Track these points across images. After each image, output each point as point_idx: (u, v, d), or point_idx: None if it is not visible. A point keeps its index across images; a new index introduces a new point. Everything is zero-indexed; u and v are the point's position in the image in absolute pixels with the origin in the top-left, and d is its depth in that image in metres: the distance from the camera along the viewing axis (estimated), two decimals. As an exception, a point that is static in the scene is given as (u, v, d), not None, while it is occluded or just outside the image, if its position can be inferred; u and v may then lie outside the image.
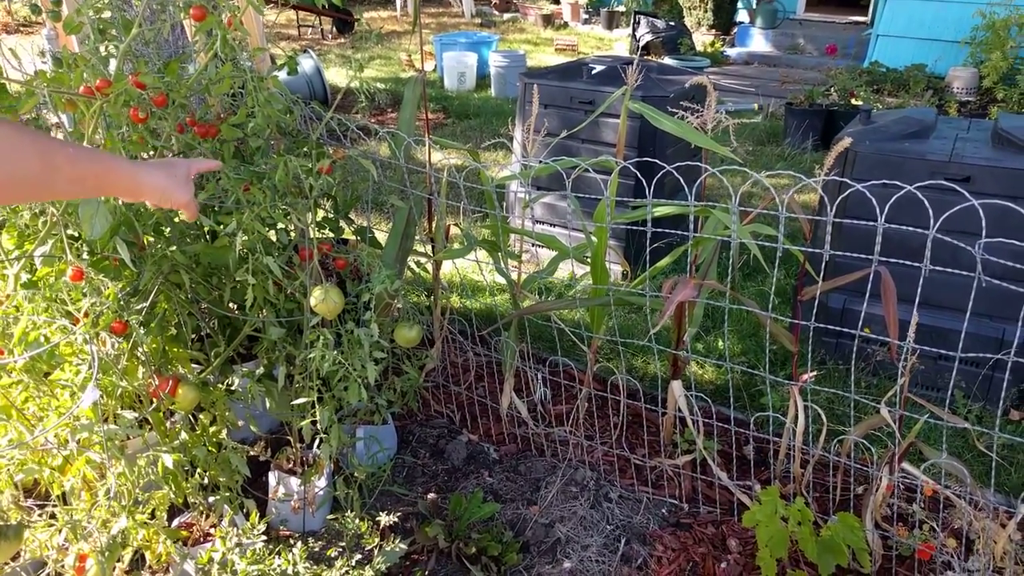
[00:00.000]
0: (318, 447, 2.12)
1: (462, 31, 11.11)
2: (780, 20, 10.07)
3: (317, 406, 2.08)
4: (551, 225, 4.03)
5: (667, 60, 8.93)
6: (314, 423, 2.10)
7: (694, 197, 1.94)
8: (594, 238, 2.31)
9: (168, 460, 1.83)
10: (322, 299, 1.98)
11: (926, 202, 1.67)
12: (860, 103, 6.29)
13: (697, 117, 2.19)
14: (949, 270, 1.72)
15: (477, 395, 2.75)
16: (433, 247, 2.67)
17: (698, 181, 2.02)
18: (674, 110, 2.36)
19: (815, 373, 2.14)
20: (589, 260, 2.41)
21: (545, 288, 3.64)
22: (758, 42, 10.06)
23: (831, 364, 2.91)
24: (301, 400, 2.09)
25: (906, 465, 2.01)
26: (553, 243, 2.49)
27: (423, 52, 2.70)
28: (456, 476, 2.52)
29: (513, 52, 8.20)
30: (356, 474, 2.30)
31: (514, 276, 2.56)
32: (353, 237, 2.65)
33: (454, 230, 3.13)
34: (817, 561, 1.81)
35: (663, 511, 2.33)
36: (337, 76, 8.49)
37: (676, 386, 2.35)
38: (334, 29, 11.24)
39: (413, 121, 2.56)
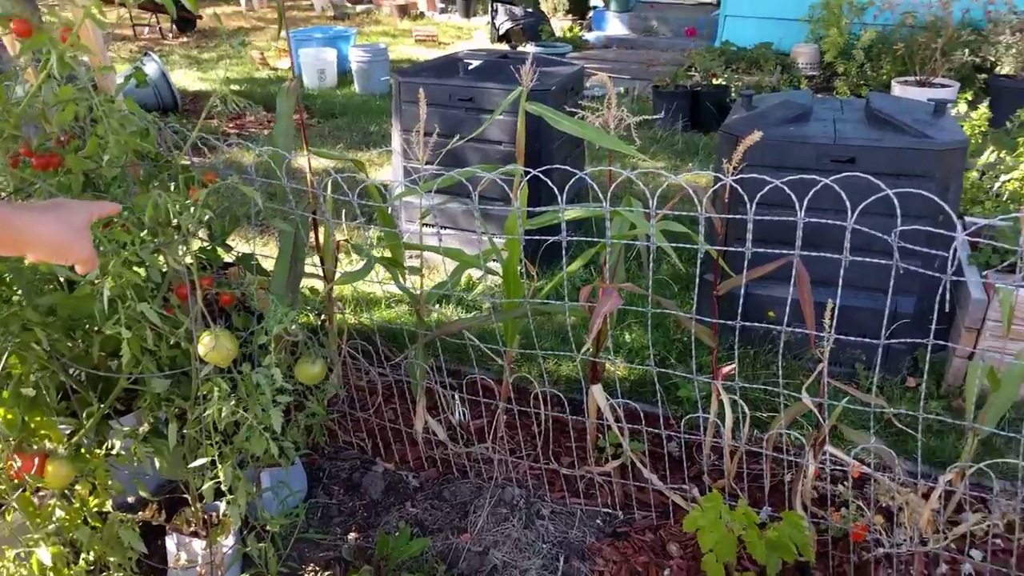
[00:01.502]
0: (224, 504, 1.89)
1: (316, 26, 10.64)
2: (633, 3, 10.31)
3: (218, 463, 1.85)
4: (443, 227, 3.88)
5: (530, 47, 8.92)
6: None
7: (608, 199, 1.86)
8: (503, 249, 2.19)
9: (45, 556, 1.55)
10: (213, 347, 1.75)
11: (843, 194, 1.66)
12: (721, 82, 6.52)
13: (598, 116, 2.11)
14: (860, 258, 1.73)
15: (388, 420, 2.58)
16: (324, 267, 2.47)
17: (614, 184, 1.94)
18: (570, 108, 2.28)
19: (733, 365, 2.13)
20: (495, 267, 2.30)
21: (443, 297, 3.49)
22: (614, 25, 10.25)
23: (740, 349, 2.95)
24: (200, 462, 1.85)
25: (831, 448, 2.03)
26: (458, 256, 2.35)
27: (280, 50, 2.47)
28: (376, 511, 2.35)
29: (374, 46, 7.92)
30: (268, 527, 2.08)
31: (415, 282, 2.40)
32: (234, 264, 2.40)
33: (344, 243, 2.92)
34: (765, 562, 1.79)
35: (598, 522, 2.26)
36: (185, 79, 7.90)
37: (597, 391, 2.28)
38: (174, 27, 10.46)
39: (291, 134, 2.33)
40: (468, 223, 3.79)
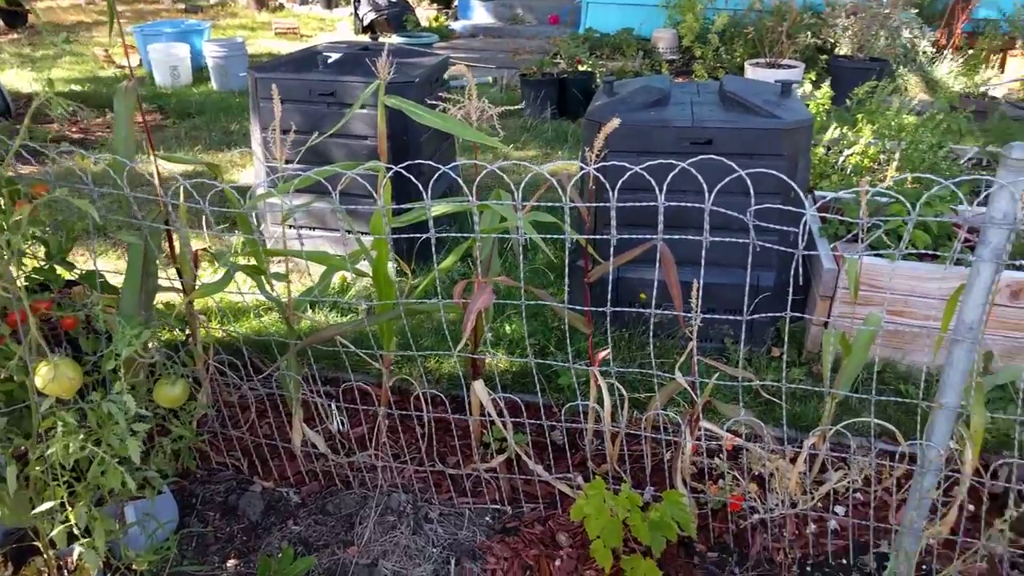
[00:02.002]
0: (80, 547, 1.73)
1: (165, 19, 10.01)
2: (497, -8, 10.32)
3: (69, 503, 1.69)
4: (311, 228, 3.74)
5: (395, 38, 8.76)
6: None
7: (474, 193, 1.83)
8: (372, 249, 2.12)
9: None
10: (52, 378, 1.60)
11: (699, 176, 1.70)
12: (587, 68, 6.63)
13: (459, 108, 2.08)
14: (720, 237, 1.78)
15: (264, 436, 2.46)
16: (181, 280, 2.31)
17: (479, 177, 1.91)
18: (433, 102, 2.23)
19: (608, 351, 2.16)
20: (365, 267, 2.22)
21: (314, 303, 3.36)
22: (480, 14, 10.23)
23: (615, 333, 3.01)
24: (47, 505, 1.68)
25: (706, 423, 2.10)
26: (323, 259, 2.26)
27: (128, 46, 2.29)
28: (256, 533, 2.23)
29: (231, 40, 7.54)
30: (134, 566, 1.93)
31: (282, 289, 2.30)
32: (78, 283, 2.20)
33: (203, 252, 2.74)
34: (650, 543, 1.83)
35: (488, 519, 2.25)
36: (17, 80, 7.24)
37: (478, 387, 2.26)
38: (1, 23, 9.56)
39: (132, 138, 2.16)
40: (337, 222, 3.67)
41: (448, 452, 2.49)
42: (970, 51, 7.36)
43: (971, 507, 2.11)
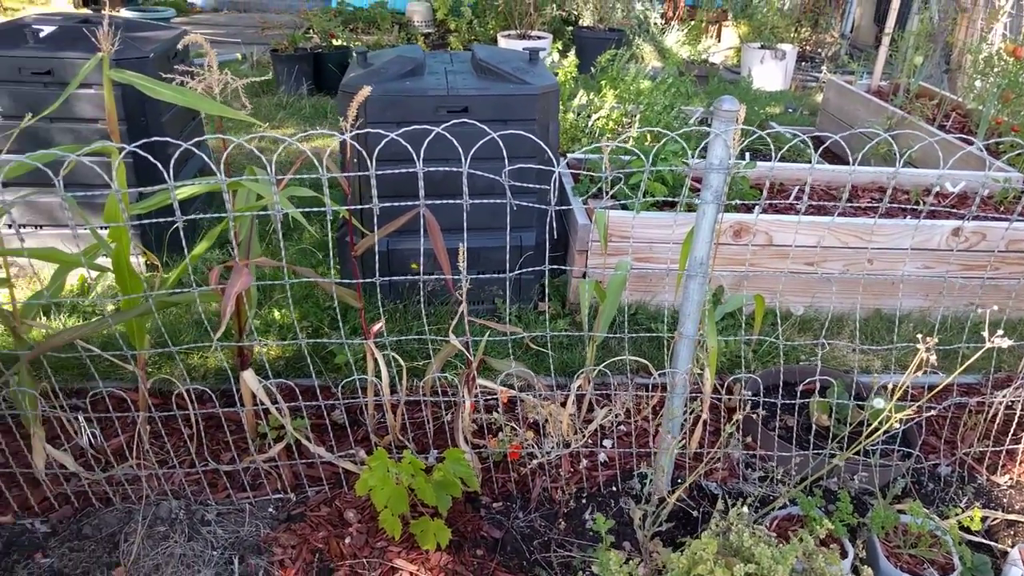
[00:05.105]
0: None
1: None
2: (239, -37, 9.69)
3: None
4: (36, 227, 3.30)
5: (124, 12, 7.93)
6: None
7: (223, 170, 1.72)
8: (110, 241, 1.92)
9: None
10: None
11: (455, 142, 1.73)
12: (342, 43, 6.46)
13: (200, 81, 1.93)
14: (485, 200, 1.83)
15: (-3, 464, 2.15)
16: None
17: (226, 152, 1.79)
18: (168, 76, 2.05)
19: (383, 323, 2.15)
20: (105, 263, 2.01)
21: (48, 308, 2.98)
22: (222, -13, 9.57)
23: (389, 305, 3.00)
24: None
25: (482, 380, 2.17)
26: (55, 256, 2.01)
27: None
28: (-2, 576, 1.96)
29: (-90, 13, 6.36)
30: None
31: (4, 296, 2.01)
32: None
33: None
34: (436, 503, 1.86)
35: (271, 510, 2.15)
36: None
37: (249, 376, 2.15)
38: None
39: None
40: (67, 217, 3.27)
41: (222, 449, 2.35)
42: (692, 23, 8.18)
43: (714, 425, 2.39)
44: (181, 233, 1.66)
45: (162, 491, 2.18)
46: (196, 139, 1.87)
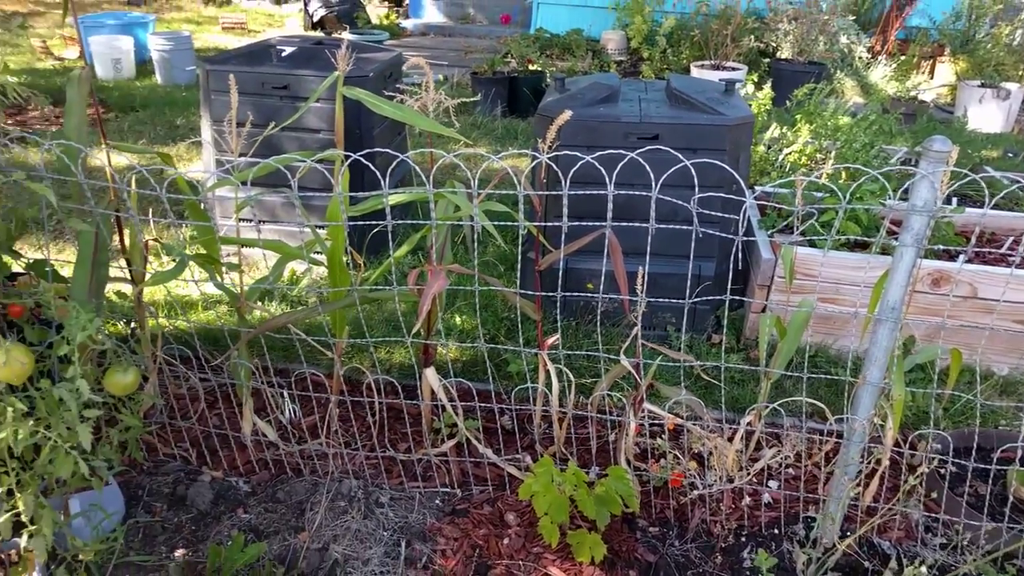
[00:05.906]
0: (26, 537, 1.72)
1: (108, 11, 9.77)
2: (449, -9, 10.35)
3: (16, 492, 1.69)
4: (261, 222, 3.73)
5: (346, 35, 8.72)
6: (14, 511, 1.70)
7: (431, 181, 1.88)
8: (327, 238, 2.15)
9: None
10: (4, 363, 1.59)
11: (647, 167, 1.78)
12: (538, 68, 6.72)
13: (417, 100, 2.12)
14: (669, 225, 1.86)
15: (213, 426, 2.46)
16: (131, 269, 2.31)
17: (434, 168, 1.96)
18: (391, 94, 2.27)
19: (558, 336, 2.23)
20: (320, 257, 2.25)
21: (266, 293, 3.36)
22: (431, 13, 10.25)
23: (563, 322, 3.09)
24: (-7, 491, 1.67)
25: (649, 405, 2.19)
26: (280, 248, 2.28)
27: (66, 37, 2.27)
28: (206, 523, 2.24)
29: (176, 33, 7.41)
30: (80, 556, 1.92)
31: (234, 278, 2.31)
32: (25, 273, 2.18)
33: (154, 243, 2.73)
34: (595, 517, 1.91)
35: (437, 502, 2.30)
36: (-50, 71, 6.97)
37: (430, 374, 2.31)
38: (-67, 12, 9.22)
39: (84, 126, 2.15)
40: (288, 215, 3.67)
41: (399, 439, 2.53)
42: (902, 57, 7.69)
43: (892, 482, 2.24)
44: (390, 236, 1.84)
45: (344, 470, 2.39)
46: (408, 153, 2.06)
